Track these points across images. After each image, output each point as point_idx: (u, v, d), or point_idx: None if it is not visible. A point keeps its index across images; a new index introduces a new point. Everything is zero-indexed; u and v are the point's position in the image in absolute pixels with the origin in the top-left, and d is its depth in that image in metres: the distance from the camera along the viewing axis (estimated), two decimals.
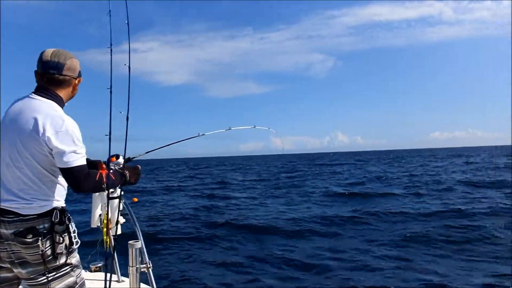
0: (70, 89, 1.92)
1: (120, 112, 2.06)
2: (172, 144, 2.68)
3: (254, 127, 3.21)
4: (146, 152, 2.49)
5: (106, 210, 2.13)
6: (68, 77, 1.88)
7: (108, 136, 1.97)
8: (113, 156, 2.16)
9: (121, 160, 2.18)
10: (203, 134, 2.79)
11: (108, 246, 2.15)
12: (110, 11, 2.05)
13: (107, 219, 2.19)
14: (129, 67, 2.14)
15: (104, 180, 1.82)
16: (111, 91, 1.98)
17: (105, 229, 2.19)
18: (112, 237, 2.13)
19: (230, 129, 2.99)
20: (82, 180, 1.73)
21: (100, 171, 1.88)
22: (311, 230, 9.50)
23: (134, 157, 2.41)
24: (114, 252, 2.14)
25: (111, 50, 2.03)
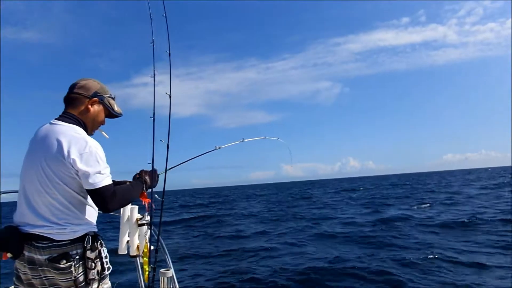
0: (83, 108, 1.90)
1: (161, 141, 2.14)
2: (192, 159, 2.73)
3: (265, 138, 3.36)
4: (169, 169, 2.49)
5: (146, 238, 2.16)
6: (78, 95, 1.89)
7: (150, 164, 2.04)
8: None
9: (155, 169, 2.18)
10: (219, 147, 2.86)
11: (147, 276, 2.16)
12: (153, 40, 2.18)
13: (149, 248, 2.20)
14: (170, 96, 2.24)
15: (129, 196, 1.86)
16: (154, 119, 2.07)
17: (145, 259, 2.19)
18: (151, 267, 2.14)
19: (243, 140, 3.12)
20: (109, 200, 1.73)
21: (143, 199, 1.95)
22: None
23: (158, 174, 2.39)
24: (152, 283, 2.15)
25: (153, 79, 2.15)
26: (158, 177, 2.17)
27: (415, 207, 19.92)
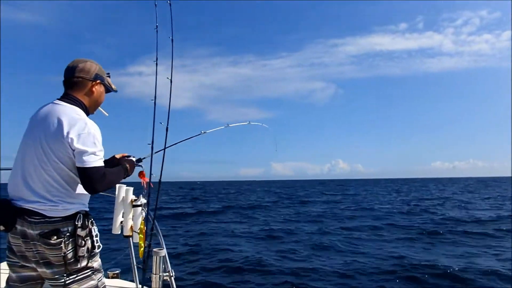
0: (86, 91, 1.95)
1: (161, 123, 2.19)
2: (177, 143, 2.76)
3: (249, 123, 3.47)
4: (155, 152, 2.52)
5: (144, 216, 2.21)
6: (81, 78, 1.93)
7: (150, 145, 2.09)
8: (125, 157, 2.23)
9: (132, 160, 2.23)
10: (204, 132, 2.93)
11: (141, 252, 2.22)
12: (157, 26, 2.22)
13: (145, 226, 2.25)
14: (171, 80, 2.30)
15: (114, 179, 1.92)
16: (155, 103, 2.11)
17: (141, 235, 2.23)
18: (145, 243, 2.19)
19: (228, 126, 3.22)
20: (97, 181, 1.76)
21: (142, 178, 2.03)
22: None
23: (144, 158, 2.45)
24: (147, 259, 2.21)
25: (156, 64, 2.19)
26: (134, 166, 2.22)
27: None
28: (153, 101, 2.08)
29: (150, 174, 2.20)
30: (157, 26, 2.34)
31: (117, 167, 2.06)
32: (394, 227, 14.44)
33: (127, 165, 2.10)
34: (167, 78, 2.26)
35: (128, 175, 2.12)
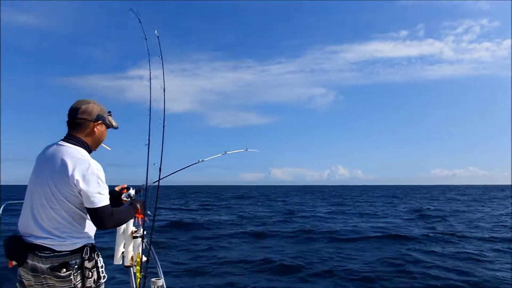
0: (88, 131, 2.06)
1: (154, 164, 2.36)
2: (175, 172, 2.82)
3: (246, 150, 3.46)
4: (154, 182, 2.59)
5: (140, 249, 2.33)
6: (83, 120, 2.04)
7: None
8: (124, 188, 2.35)
9: (131, 192, 2.34)
10: (202, 161, 2.94)
11: (138, 283, 2.34)
12: (149, 60, 2.40)
13: (141, 258, 2.36)
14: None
15: (124, 218, 2.09)
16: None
17: (138, 267, 2.35)
18: (142, 274, 2.31)
19: (225, 153, 3.22)
20: (106, 220, 1.89)
21: (137, 215, 2.21)
22: None
23: (142, 188, 2.49)
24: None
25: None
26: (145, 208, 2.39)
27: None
28: (147, 141, 2.30)
29: (145, 209, 2.35)
30: (149, 60, 2.50)
31: (126, 206, 2.24)
32: None
33: (138, 205, 2.29)
34: (159, 122, 2.47)
35: (144, 214, 2.31)
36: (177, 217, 20.46)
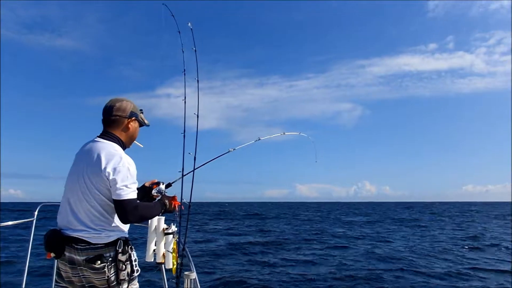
0: (123, 128, 2.16)
1: (189, 153, 2.38)
2: (207, 163, 2.80)
3: (284, 133, 3.26)
4: (183, 175, 2.61)
5: (178, 236, 2.39)
6: (118, 117, 2.14)
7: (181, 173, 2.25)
8: (154, 184, 2.38)
9: (162, 187, 2.37)
10: (233, 149, 2.90)
11: (175, 270, 2.39)
12: (184, 64, 2.49)
13: (177, 245, 2.42)
14: (197, 116, 2.54)
15: (149, 214, 2.10)
16: (184, 136, 2.31)
17: (174, 254, 2.39)
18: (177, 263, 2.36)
19: (259, 139, 3.06)
20: (129, 213, 1.93)
21: (173, 202, 2.22)
22: None
23: (173, 182, 2.55)
24: (180, 274, 2.37)
25: (184, 101, 2.42)
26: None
27: None
28: (183, 134, 2.31)
29: (181, 198, 2.38)
30: (184, 70, 2.59)
31: (153, 202, 2.24)
32: None
33: (167, 201, 2.26)
34: (194, 113, 2.48)
35: (170, 211, 2.28)
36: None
